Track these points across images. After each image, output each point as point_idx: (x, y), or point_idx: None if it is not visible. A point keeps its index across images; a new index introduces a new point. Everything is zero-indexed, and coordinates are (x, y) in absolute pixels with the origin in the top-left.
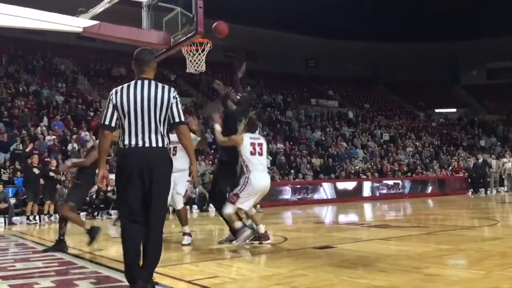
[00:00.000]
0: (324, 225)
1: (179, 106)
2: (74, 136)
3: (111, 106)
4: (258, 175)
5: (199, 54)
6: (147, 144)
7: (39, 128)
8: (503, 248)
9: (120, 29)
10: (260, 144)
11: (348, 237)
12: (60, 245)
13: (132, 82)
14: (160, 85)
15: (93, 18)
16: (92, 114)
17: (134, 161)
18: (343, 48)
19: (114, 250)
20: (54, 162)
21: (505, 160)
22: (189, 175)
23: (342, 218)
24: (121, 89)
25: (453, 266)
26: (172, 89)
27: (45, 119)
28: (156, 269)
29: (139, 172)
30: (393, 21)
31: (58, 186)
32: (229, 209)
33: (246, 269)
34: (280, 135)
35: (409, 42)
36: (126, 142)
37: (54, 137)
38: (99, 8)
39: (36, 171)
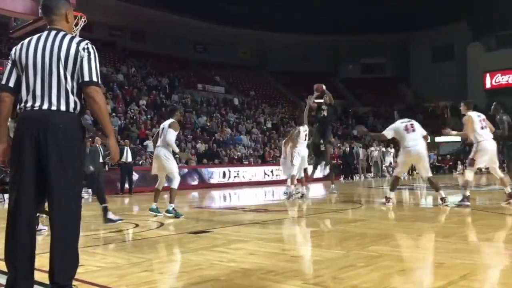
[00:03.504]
0: (206, 210)
1: (92, 62)
2: None
3: (10, 62)
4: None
5: (72, 29)
6: (45, 106)
7: None
8: (364, 229)
9: None
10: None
11: (226, 221)
12: None
13: (38, 34)
14: (69, 35)
15: None
16: None
17: (27, 127)
18: (233, 35)
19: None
20: None
21: (372, 148)
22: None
23: (224, 203)
24: (23, 42)
25: (317, 247)
26: (86, 41)
27: None
28: None
29: (32, 141)
30: (283, 11)
31: None
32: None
33: (114, 257)
34: (164, 119)
35: (295, 33)
36: (22, 104)
37: None
38: None
39: None
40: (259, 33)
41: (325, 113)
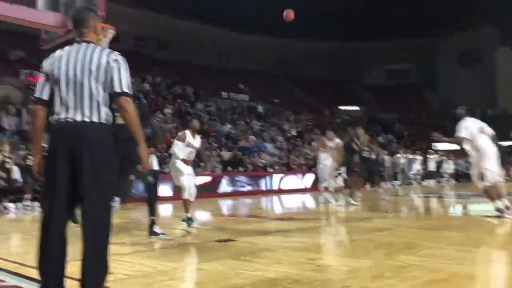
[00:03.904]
0: (231, 218)
1: (123, 73)
2: None
3: (42, 75)
4: None
5: (100, 40)
6: (78, 118)
7: None
8: (391, 238)
9: (10, 8)
10: None
11: (251, 230)
12: None
13: (68, 47)
14: (99, 47)
15: None
16: None
17: (60, 138)
18: (255, 43)
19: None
20: None
21: (398, 155)
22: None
23: (248, 210)
24: (53, 56)
25: (344, 256)
26: (116, 52)
27: None
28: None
29: (66, 152)
30: (304, 19)
31: None
32: None
33: (141, 265)
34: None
35: (318, 40)
36: (56, 116)
37: None
38: None
39: None
40: (282, 40)
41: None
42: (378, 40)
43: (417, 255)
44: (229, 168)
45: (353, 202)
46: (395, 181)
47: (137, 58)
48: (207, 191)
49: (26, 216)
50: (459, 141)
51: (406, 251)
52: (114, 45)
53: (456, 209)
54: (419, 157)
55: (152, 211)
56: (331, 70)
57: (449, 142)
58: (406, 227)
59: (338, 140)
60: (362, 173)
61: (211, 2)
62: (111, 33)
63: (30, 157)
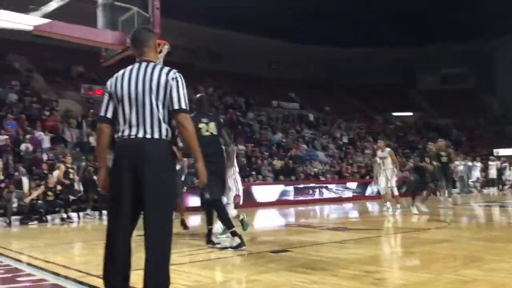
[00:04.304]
0: (284, 228)
1: (181, 90)
2: (28, 136)
3: (106, 94)
4: None
5: (157, 57)
6: (140, 135)
7: None
8: (451, 250)
9: (74, 28)
10: None
11: (304, 240)
12: None
13: (130, 66)
14: (158, 66)
15: (45, 16)
16: (47, 113)
17: (124, 154)
18: (304, 51)
19: (64, 256)
20: None
21: (457, 163)
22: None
23: (301, 220)
24: (117, 75)
25: (402, 269)
26: (174, 70)
27: None
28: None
29: (130, 167)
30: (353, 26)
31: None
32: None
33: (198, 275)
34: (241, 137)
35: (368, 47)
36: (120, 133)
37: (6, 137)
38: (51, 6)
39: None
40: (331, 48)
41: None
42: (432, 44)
43: (481, 269)
44: (281, 177)
45: (423, 209)
46: (454, 189)
47: (189, 70)
48: (260, 201)
49: (87, 226)
50: None
51: (469, 264)
52: (166, 57)
53: None
54: (479, 164)
55: (210, 221)
56: (383, 76)
57: None
58: (467, 239)
59: (388, 149)
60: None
61: (259, 13)
62: (166, 48)
63: (90, 168)
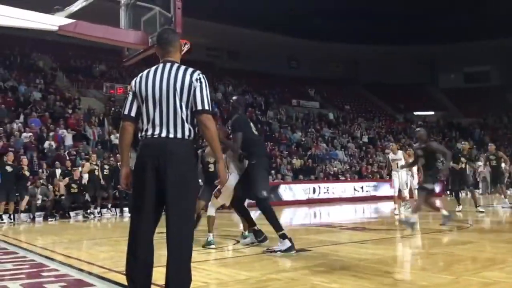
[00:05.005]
0: (303, 227)
1: (204, 91)
2: (51, 134)
3: (131, 94)
4: None
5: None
6: (163, 134)
7: (15, 124)
8: (473, 252)
9: (97, 28)
10: None
11: (324, 240)
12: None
13: (154, 66)
14: (183, 67)
15: (69, 16)
16: (70, 111)
17: (148, 154)
18: (324, 49)
19: (88, 252)
20: (25, 161)
21: (479, 163)
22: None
23: (320, 220)
24: (142, 74)
25: (423, 271)
26: (198, 71)
27: (22, 116)
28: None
29: (153, 166)
30: (373, 23)
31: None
32: None
33: (217, 273)
34: (261, 135)
35: (389, 45)
36: (143, 132)
37: (30, 134)
38: (75, 7)
39: (9, 169)
40: (351, 46)
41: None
42: (455, 42)
43: (504, 271)
44: (300, 176)
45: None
46: (477, 190)
47: (209, 69)
48: (276, 199)
49: (108, 222)
50: None
51: (491, 267)
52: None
53: None
54: (503, 165)
55: (252, 221)
56: (402, 74)
57: None
58: (490, 241)
59: (400, 151)
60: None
61: (278, 11)
62: (186, 47)
63: (106, 166)
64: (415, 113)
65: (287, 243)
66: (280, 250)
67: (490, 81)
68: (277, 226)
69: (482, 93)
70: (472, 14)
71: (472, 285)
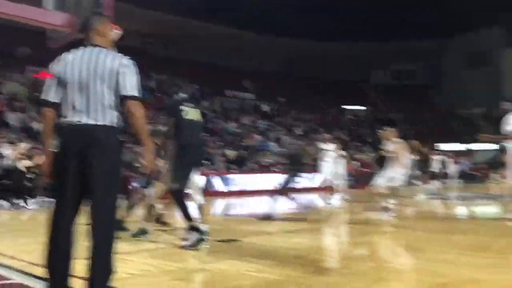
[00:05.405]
0: (234, 218)
1: (131, 77)
2: None
3: (51, 78)
4: None
5: (108, 42)
6: (90, 122)
7: None
8: (393, 240)
9: (16, 7)
10: None
11: (254, 230)
12: None
13: (78, 50)
14: (108, 51)
15: None
16: None
17: (71, 140)
18: (261, 42)
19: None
20: None
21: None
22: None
23: (251, 210)
24: (62, 58)
25: (348, 259)
26: (125, 57)
27: None
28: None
29: (74, 154)
30: (310, 20)
31: None
32: None
33: (145, 264)
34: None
35: (324, 40)
36: (63, 118)
37: None
38: None
39: None
40: (288, 40)
41: None
42: (385, 41)
43: (421, 258)
44: (234, 167)
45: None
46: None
47: (143, 56)
48: (208, 190)
49: (36, 214)
50: (508, 137)
51: (409, 254)
52: (119, 42)
53: (461, 212)
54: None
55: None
56: (336, 70)
57: (496, 139)
58: (410, 230)
59: (332, 144)
60: None
61: (214, 0)
62: (116, 33)
63: (31, 155)
64: (346, 107)
65: (195, 236)
66: (188, 246)
67: (416, 80)
68: (187, 218)
69: (409, 91)
70: (404, 15)
71: (389, 271)
